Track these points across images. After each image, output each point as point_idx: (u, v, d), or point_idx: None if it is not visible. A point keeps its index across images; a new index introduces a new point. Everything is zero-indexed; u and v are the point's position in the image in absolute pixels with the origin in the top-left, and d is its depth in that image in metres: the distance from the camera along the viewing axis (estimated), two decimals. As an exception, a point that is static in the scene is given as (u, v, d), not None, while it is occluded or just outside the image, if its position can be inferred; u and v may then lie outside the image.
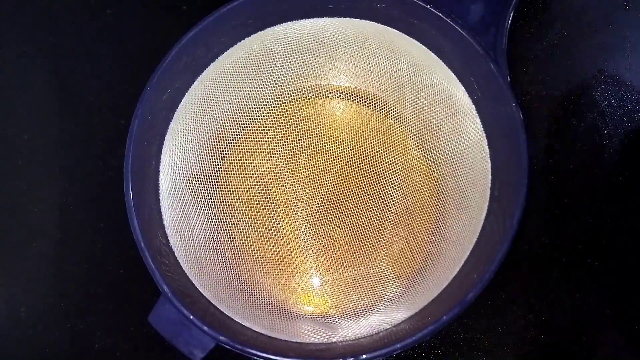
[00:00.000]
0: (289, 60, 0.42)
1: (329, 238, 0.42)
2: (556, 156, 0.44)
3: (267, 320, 0.38)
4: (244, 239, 0.42)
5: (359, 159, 0.43)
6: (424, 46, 0.39)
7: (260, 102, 0.43)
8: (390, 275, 0.41)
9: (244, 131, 0.43)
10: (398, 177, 0.43)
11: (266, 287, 0.41)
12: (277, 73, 0.43)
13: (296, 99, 0.44)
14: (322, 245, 0.41)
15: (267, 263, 0.41)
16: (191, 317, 0.32)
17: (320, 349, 0.36)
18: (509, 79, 0.36)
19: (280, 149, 0.43)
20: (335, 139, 0.43)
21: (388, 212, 0.42)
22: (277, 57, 0.42)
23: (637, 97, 0.43)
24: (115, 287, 0.44)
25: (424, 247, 0.41)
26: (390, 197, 0.42)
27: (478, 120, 0.39)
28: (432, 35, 0.38)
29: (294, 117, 0.44)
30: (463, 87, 0.39)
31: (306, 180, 0.42)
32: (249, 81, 0.42)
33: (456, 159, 0.41)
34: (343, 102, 0.44)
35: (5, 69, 0.48)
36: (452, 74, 0.39)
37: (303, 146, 0.43)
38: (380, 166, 0.43)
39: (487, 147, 0.38)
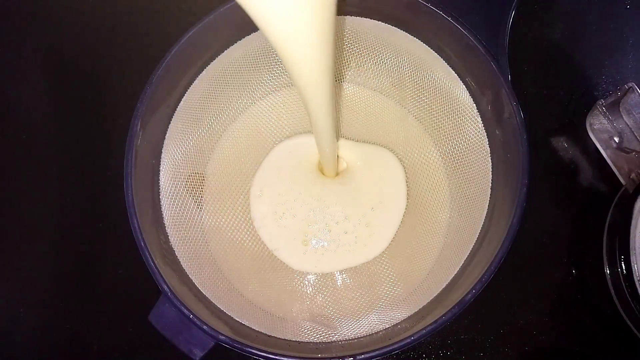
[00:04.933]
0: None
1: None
2: (556, 156, 0.44)
3: (266, 319, 0.38)
4: (244, 239, 0.42)
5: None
6: (425, 44, 0.39)
7: (261, 100, 0.43)
8: (390, 274, 0.41)
9: (245, 130, 0.43)
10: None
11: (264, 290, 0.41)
12: (276, 70, 0.43)
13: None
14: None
15: (266, 263, 0.41)
16: (191, 316, 0.32)
17: (320, 348, 0.36)
18: (509, 79, 0.36)
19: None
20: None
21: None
22: (277, 55, 0.42)
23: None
24: (115, 287, 0.44)
25: (424, 247, 0.41)
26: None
27: (479, 119, 0.39)
28: (433, 34, 0.38)
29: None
30: (464, 86, 0.39)
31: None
32: (249, 79, 0.42)
33: (457, 157, 0.41)
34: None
35: (5, 69, 0.48)
36: (453, 72, 0.39)
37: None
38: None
39: (487, 146, 0.38)
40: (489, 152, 0.38)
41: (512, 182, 0.35)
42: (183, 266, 0.37)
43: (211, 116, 0.42)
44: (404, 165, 0.42)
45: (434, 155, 0.42)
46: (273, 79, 0.43)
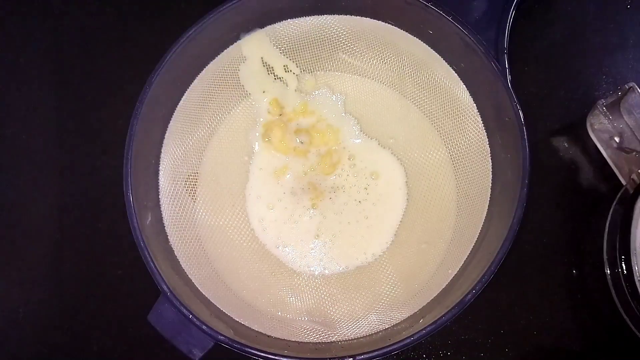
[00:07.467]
0: (288, 57, 0.42)
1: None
2: (557, 156, 0.44)
3: (266, 319, 0.38)
4: (243, 239, 0.42)
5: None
6: (425, 44, 0.39)
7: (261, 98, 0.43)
8: (391, 275, 0.41)
9: (244, 129, 0.43)
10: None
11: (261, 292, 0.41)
12: (276, 71, 0.43)
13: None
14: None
15: (265, 263, 0.41)
16: (190, 316, 0.32)
17: (320, 348, 0.36)
18: (509, 79, 0.36)
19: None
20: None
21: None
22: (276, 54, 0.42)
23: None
24: (114, 287, 0.44)
25: (427, 248, 0.41)
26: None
27: (479, 119, 0.39)
28: (433, 33, 0.38)
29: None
30: (464, 86, 0.39)
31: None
32: (249, 78, 0.42)
33: (457, 157, 0.41)
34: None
35: (5, 68, 0.48)
36: (454, 72, 0.39)
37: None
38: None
39: (487, 146, 0.38)
40: (489, 152, 0.38)
41: (512, 182, 0.35)
42: (183, 266, 0.37)
43: (211, 116, 0.42)
44: (406, 163, 0.42)
45: (440, 152, 0.42)
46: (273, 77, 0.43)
